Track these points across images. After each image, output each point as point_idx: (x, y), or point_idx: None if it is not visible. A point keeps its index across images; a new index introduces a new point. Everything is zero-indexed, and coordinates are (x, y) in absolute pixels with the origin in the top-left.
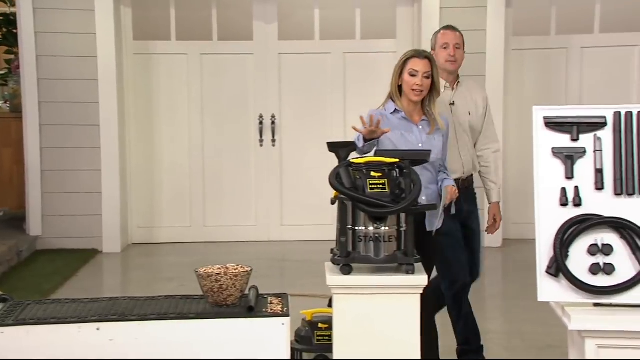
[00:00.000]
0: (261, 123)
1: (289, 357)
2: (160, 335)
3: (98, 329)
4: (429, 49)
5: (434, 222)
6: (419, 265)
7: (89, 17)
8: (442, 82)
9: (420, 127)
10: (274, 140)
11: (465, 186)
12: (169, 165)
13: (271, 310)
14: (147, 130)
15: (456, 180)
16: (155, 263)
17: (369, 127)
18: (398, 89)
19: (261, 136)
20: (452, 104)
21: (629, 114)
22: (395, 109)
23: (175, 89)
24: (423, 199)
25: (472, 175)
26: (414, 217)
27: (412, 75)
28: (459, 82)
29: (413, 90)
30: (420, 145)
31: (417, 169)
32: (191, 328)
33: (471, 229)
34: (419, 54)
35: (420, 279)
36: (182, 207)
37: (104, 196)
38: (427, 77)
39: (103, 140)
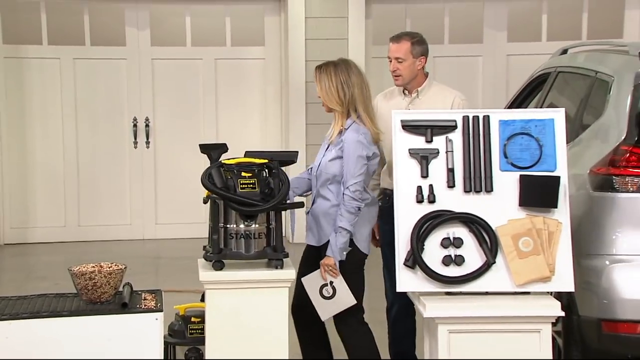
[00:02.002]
0: (135, 126)
1: (163, 351)
2: (32, 334)
3: None
4: (295, 57)
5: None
6: (287, 260)
7: None
8: (398, 90)
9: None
10: (148, 143)
11: None
12: (42, 167)
13: (145, 306)
14: (20, 132)
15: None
16: (28, 263)
17: None
18: None
19: (135, 138)
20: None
21: (476, 118)
22: None
23: (48, 93)
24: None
25: None
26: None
27: None
28: (418, 90)
29: None
30: (321, 157)
31: (299, 180)
32: (65, 325)
33: None
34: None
35: (288, 273)
36: (56, 207)
37: None
38: (321, 88)
39: None
